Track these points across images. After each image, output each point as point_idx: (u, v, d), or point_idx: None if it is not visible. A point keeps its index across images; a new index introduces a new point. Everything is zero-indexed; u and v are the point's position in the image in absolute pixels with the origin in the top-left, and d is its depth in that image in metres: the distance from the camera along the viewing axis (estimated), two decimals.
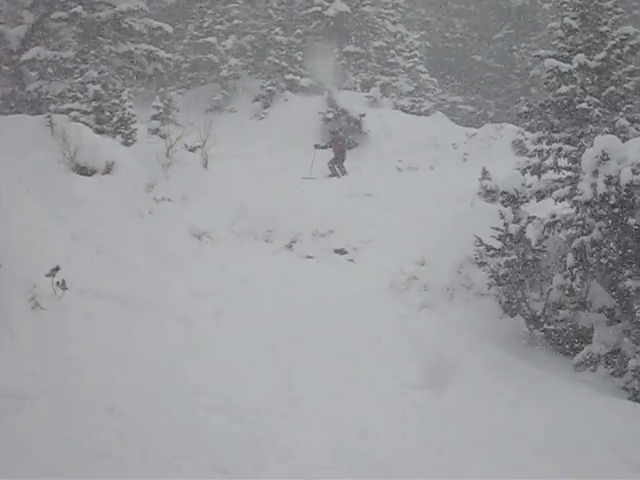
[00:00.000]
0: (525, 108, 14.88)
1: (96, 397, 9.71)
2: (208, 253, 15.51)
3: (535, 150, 14.44)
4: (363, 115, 28.49)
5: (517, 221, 12.98)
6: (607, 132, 13.06)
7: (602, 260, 12.05)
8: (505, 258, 12.92)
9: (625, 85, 14.16)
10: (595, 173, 11.60)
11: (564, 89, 14.11)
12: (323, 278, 15.14)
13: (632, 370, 11.53)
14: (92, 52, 23.10)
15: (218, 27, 34.44)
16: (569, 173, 14.08)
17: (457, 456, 9.50)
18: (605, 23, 14.32)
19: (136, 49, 25.17)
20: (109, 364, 10.64)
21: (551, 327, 12.82)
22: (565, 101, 14.21)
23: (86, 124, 18.00)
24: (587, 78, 14.29)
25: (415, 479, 8.84)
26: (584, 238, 12.03)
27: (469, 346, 12.61)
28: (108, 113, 19.30)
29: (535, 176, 14.41)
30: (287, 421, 9.86)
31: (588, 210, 11.93)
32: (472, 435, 9.98)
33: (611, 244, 11.84)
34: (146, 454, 8.72)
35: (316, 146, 24.44)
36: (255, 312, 12.90)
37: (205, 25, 34.60)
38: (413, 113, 32.34)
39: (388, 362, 11.84)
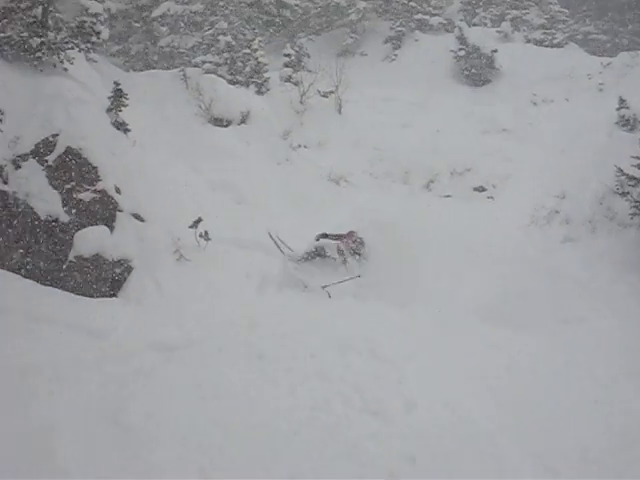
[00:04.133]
0: None
1: (243, 344, 9.86)
2: (346, 196, 15.52)
3: None
4: (495, 51, 27.60)
5: None
6: None
7: None
8: None
9: None
10: None
11: None
12: (462, 216, 14.92)
13: None
14: (221, 3, 23.23)
15: None
16: None
17: (607, 383, 9.34)
18: None
19: None
20: (253, 310, 10.80)
21: None
22: None
23: (219, 76, 18.23)
24: None
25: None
26: None
27: (614, 278, 12.24)
28: (240, 63, 19.48)
29: None
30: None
31: None
32: (622, 362, 9.78)
33: None
34: (298, 396, 8.72)
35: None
36: None
37: None
38: (545, 46, 31.16)
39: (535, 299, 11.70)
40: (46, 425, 7.59)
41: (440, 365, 9.22)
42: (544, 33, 32.61)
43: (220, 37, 19.65)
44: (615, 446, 8.01)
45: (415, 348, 9.60)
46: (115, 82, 12.85)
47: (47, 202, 10.71)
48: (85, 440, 7.58)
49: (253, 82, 19.15)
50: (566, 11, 35.85)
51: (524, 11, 33.49)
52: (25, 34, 11.76)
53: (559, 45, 31.86)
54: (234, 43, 19.66)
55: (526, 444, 7.95)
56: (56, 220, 10.70)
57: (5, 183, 10.63)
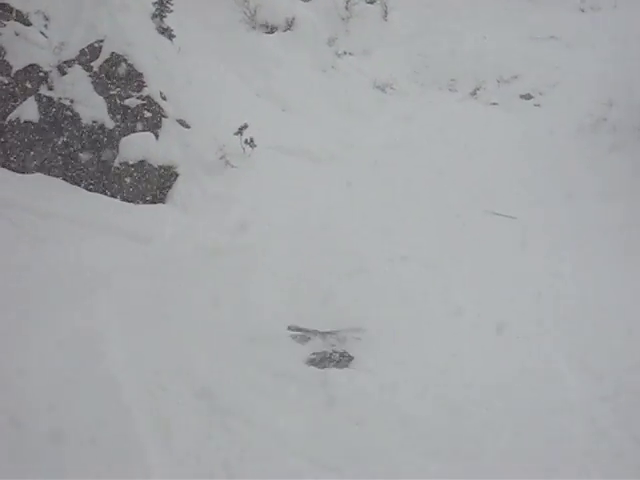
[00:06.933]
0: None
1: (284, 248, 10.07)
2: (392, 104, 15.34)
3: None
4: None
5: None
6: None
7: None
8: None
9: None
10: None
11: None
12: (509, 123, 14.70)
13: None
14: None
15: None
16: None
17: None
18: None
19: None
20: (301, 214, 10.92)
21: None
22: None
23: None
24: None
25: None
26: None
27: None
28: None
29: None
30: None
31: None
32: None
33: None
34: None
35: None
36: (443, 162, 12.87)
37: None
38: None
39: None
40: (92, 329, 7.80)
41: None
42: None
43: None
44: None
45: None
46: None
47: (92, 108, 10.77)
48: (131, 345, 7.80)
49: None
50: None
51: None
52: None
53: None
54: None
55: None
56: (101, 126, 10.76)
57: (50, 89, 10.69)
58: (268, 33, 16.10)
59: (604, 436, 7.14)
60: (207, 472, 6.36)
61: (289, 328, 8.33)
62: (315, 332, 8.40)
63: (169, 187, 11.03)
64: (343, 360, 8.10)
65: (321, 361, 8.06)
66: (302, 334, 8.36)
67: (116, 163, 10.74)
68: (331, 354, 8.13)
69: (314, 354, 8.14)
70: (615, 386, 7.77)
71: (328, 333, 8.40)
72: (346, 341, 8.37)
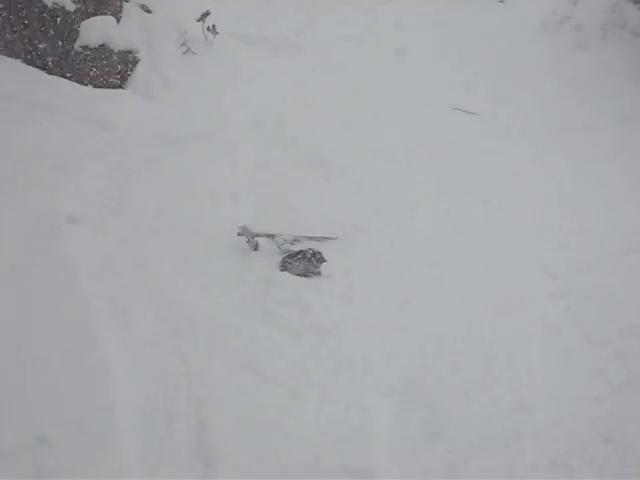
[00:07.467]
0: None
1: (246, 139, 10.20)
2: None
3: None
4: None
5: None
6: None
7: None
8: None
9: None
10: None
11: None
12: (473, 18, 14.64)
13: None
14: None
15: None
16: None
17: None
18: None
19: None
20: (262, 104, 11.01)
21: None
22: None
23: None
24: None
25: None
26: None
27: (624, 86, 12.29)
28: None
29: None
30: None
31: None
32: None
33: None
34: None
35: None
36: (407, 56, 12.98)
37: None
38: None
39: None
40: (55, 210, 7.96)
41: None
42: None
43: None
44: None
45: None
46: None
47: None
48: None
49: None
50: None
51: None
52: None
53: None
54: None
55: None
56: (62, 8, 10.63)
57: None
58: None
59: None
60: None
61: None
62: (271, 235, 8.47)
63: (130, 73, 11.04)
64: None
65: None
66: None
67: (77, 47, 10.66)
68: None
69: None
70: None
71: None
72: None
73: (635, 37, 13.20)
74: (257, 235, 8.31)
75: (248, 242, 8.24)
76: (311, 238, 8.52)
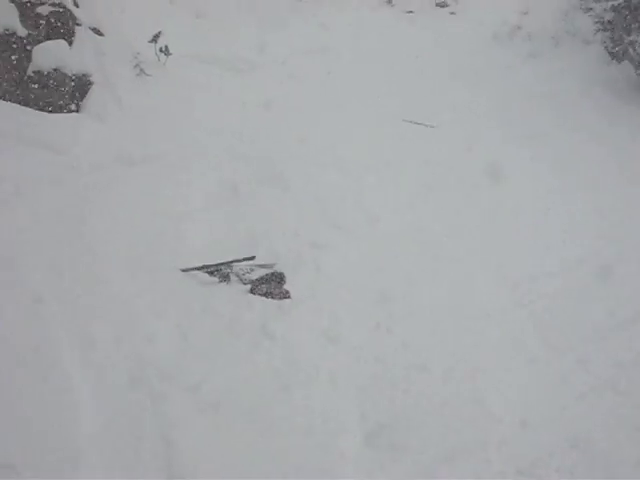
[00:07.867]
0: None
1: (202, 158, 10.17)
2: (307, 12, 15.28)
3: None
4: None
5: None
6: None
7: None
8: (611, 2, 12.30)
9: None
10: None
11: None
12: (426, 31, 14.83)
13: None
14: None
15: None
16: None
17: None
18: None
19: None
20: (217, 123, 11.01)
21: None
22: None
23: None
24: None
25: None
26: None
27: (579, 93, 12.47)
28: None
29: None
30: None
31: None
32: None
33: None
34: None
35: None
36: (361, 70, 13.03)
37: None
38: None
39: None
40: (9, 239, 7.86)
41: None
42: None
43: None
44: None
45: None
46: None
47: (3, 16, 10.58)
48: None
49: None
50: None
51: None
52: None
53: None
54: None
55: None
56: (13, 34, 10.59)
57: None
58: None
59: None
60: None
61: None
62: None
63: (83, 96, 10.98)
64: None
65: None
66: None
67: (29, 72, 10.61)
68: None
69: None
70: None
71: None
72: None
73: (587, 45, 13.42)
74: (205, 267, 8.00)
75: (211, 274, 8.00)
76: (263, 266, 8.25)
